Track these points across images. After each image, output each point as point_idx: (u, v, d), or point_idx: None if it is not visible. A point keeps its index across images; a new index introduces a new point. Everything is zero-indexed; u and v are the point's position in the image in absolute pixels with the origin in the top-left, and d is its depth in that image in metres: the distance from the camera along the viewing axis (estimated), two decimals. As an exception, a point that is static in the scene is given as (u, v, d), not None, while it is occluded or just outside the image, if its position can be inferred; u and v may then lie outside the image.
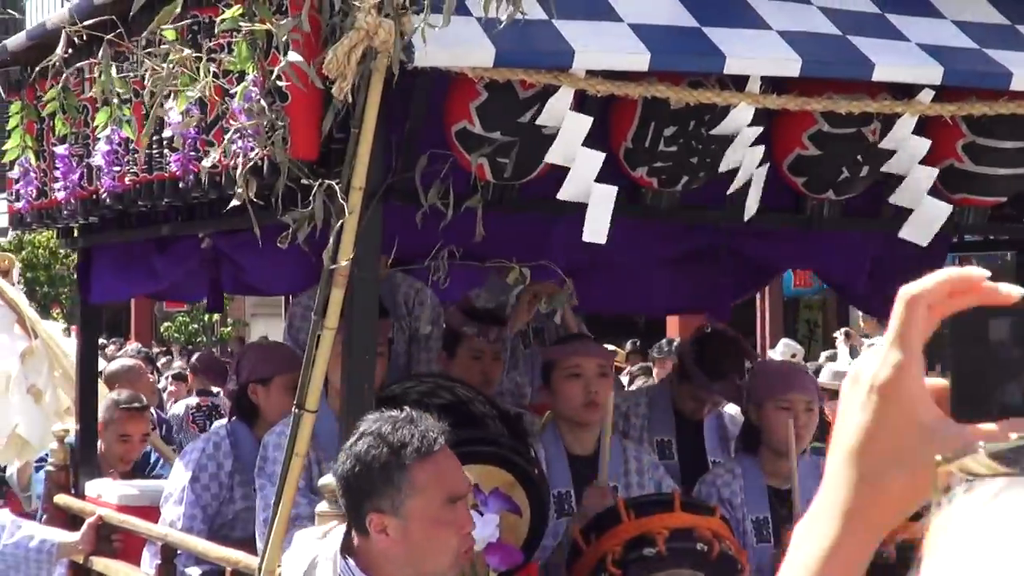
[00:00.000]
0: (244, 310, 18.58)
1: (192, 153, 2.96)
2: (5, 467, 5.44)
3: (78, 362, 4.55)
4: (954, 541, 0.50)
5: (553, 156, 2.73)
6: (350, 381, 2.88)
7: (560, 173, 2.92)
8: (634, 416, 4.31)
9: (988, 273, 0.63)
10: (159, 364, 11.52)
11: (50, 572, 3.84)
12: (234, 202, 2.69)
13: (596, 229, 2.79)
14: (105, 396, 4.89)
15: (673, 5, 2.81)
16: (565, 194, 2.78)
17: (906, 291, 0.64)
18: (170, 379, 9.31)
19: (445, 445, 2.44)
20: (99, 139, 3.32)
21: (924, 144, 2.97)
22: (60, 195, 3.71)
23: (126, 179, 3.34)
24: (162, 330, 19.49)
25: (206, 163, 2.75)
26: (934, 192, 3.15)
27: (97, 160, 3.31)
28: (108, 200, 3.44)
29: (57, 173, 3.71)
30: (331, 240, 2.72)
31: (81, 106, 3.45)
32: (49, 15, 5.06)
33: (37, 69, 3.71)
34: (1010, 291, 0.61)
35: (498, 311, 4.20)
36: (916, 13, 3.10)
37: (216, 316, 18.31)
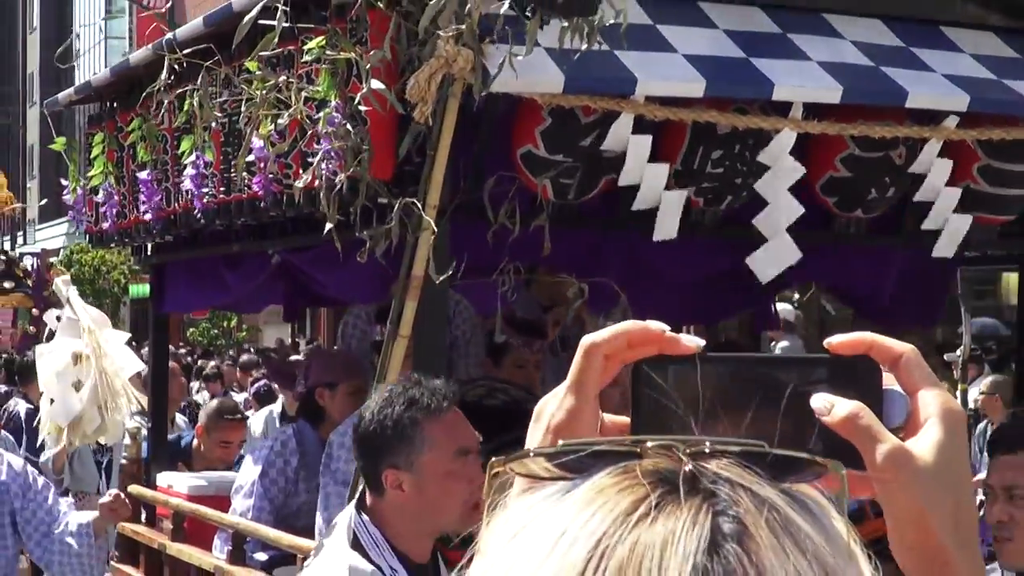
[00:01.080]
0: (257, 318, 20.12)
1: (271, 175, 3.14)
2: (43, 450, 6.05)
3: (151, 366, 5.16)
4: (494, 541, 0.50)
5: (625, 177, 2.98)
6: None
7: (612, 193, 3.13)
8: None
9: (666, 328, 0.64)
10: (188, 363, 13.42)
11: (92, 548, 3.98)
12: (328, 225, 2.84)
13: (666, 230, 3.05)
14: (207, 405, 5.60)
15: (721, 38, 3.07)
16: (639, 205, 3.01)
17: (586, 340, 0.65)
18: (203, 380, 10.63)
19: (453, 403, 2.56)
20: (184, 164, 3.53)
21: (947, 165, 3.20)
22: (148, 216, 4.00)
23: (205, 199, 3.56)
24: (188, 334, 21.46)
25: (299, 184, 2.92)
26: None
27: (186, 184, 3.53)
28: (200, 219, 3.68)
29: (140, 196, 4.00)
30: (406, 254, 2.90)
31: (160, 135, 3.68)
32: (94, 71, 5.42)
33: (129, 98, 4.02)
34: (691, 342, 0.64)
35: (539, 324, 4.48)
36: (937, 47, 3.41)
37: (233, 322, 20.81)
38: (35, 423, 5.73)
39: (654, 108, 2.91)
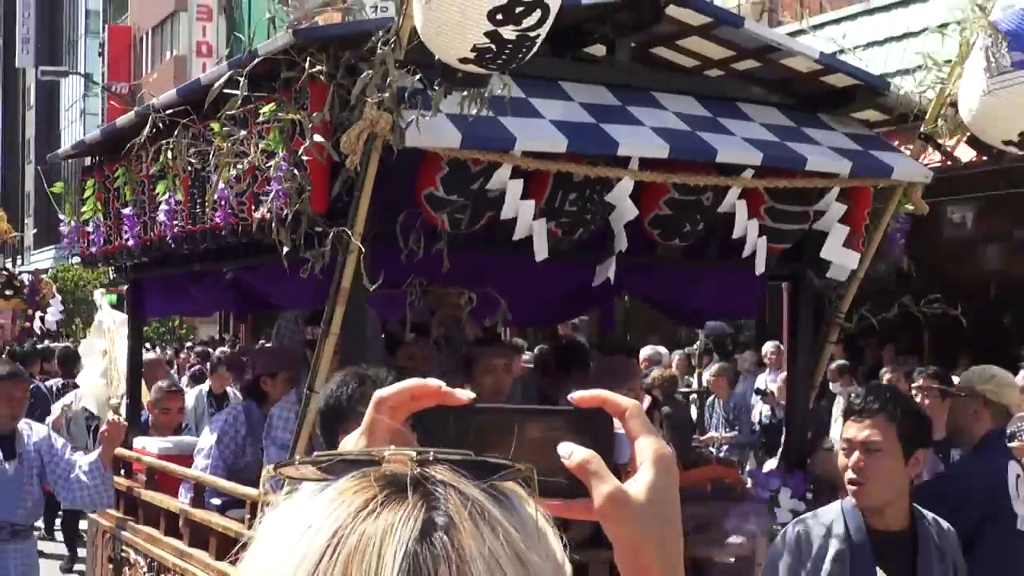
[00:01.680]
0: (194, 319, 24.00)
1: (229, 210, 3.87)
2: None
3: (128, 358, 6.21)
4: (264, 529, 0.57)
5: (504, 213, 3.76)
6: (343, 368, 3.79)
7: (493, 225, 3.96)
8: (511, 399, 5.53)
9: (442, 384, 0.72)
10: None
11: (102, 478, 4.99)
12: (284, 248, 3.54)
13: (541, 253, 3.90)
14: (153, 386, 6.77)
15: (577, 108, 3.89)
16: (517, 235, 3.83)
17: (376, 395, 0.74)
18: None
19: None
20: (160, 202, 4.32)
21: (744, 206, 4.16)
22: (130, 242, 4.86)
23: (175, 229, 4.31)
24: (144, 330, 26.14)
25: (256, 215, 3.63)
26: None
27: (161, 217, 4.29)
28: (172, 244, 4.46)
29: (124, 228, 4.87)
30: (337, 271, 3.63)
31: (140, 180, 4.49)
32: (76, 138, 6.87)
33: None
34: (463, 395, 0.72)
35: (426, 325, 5.53)
36: (736, 118, 4.30)
37: (176, 322, 25.09)
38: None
39: (527, 160, 3.70)
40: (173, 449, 5.73)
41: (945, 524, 3.28)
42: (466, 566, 0.52)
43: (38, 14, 50.05)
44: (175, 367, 14.66)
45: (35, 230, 48.10)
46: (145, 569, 5.36)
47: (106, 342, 6.27)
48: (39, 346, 13.70)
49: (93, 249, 5.49)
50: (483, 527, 0.55)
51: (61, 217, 5.87)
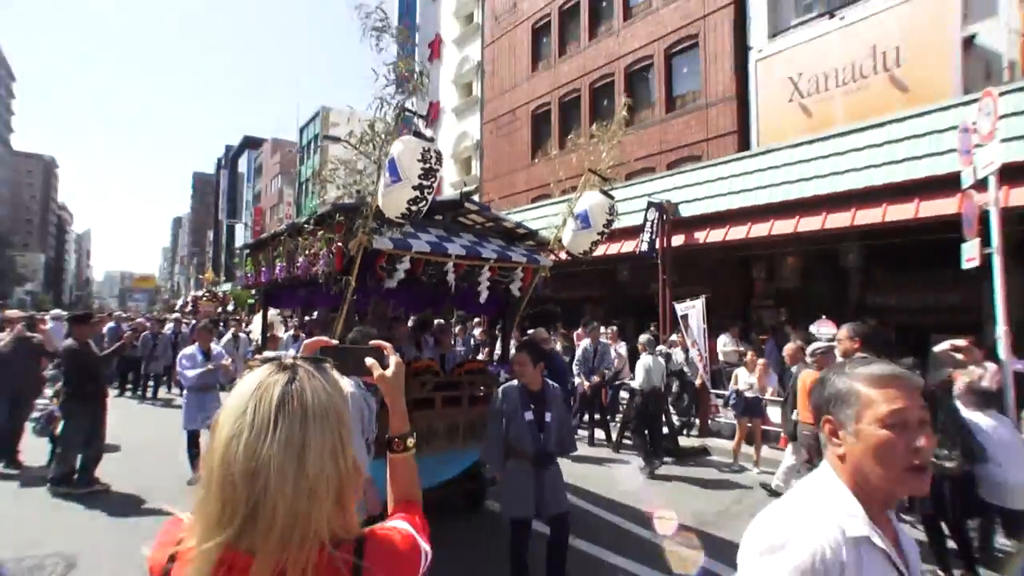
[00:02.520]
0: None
1: (301, 269, 9.46)
2: None
3: (262, 323, 12.96)
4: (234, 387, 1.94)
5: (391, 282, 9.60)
6: (345, 324, 9.26)
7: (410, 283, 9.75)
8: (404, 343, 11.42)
9: (328, 340, 2.53)
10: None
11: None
12: (332, 287, 9.12)
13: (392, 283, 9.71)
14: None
15: (432, 236, 9.78)
16: (390, 283, 9.79)
17: (306, 343, 2.51)
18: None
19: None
20: (276, 266, 9.83)
21: (487, 272, 10.30)
22: (263, 279, 10.37)
23: (280, 276, 9.83)
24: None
25: (316, 269, 9.17)
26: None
27: (276, 271, 9.77)
28: (279, 281, 9.98)
29: (262, 274, 10.24)
30: (345, 297, 9.21)
31: (271, 258, 10.08)
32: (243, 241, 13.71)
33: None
34: (332, 342, 2.49)
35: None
36: (487, 242, 10.45)
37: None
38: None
39: (420, 256, 9.56)
40: (271, 357, 12.20)
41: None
42: (306, 392, 1.87)
43: (228, 202, 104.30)
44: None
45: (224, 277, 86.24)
46: None
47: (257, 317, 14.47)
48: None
49: (249, 283, 11.17)
50: (313, 378, 1.93)
51: (238, 271, 12.37)
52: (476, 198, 29.17)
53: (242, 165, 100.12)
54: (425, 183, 7.81)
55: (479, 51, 39.74)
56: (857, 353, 8.52)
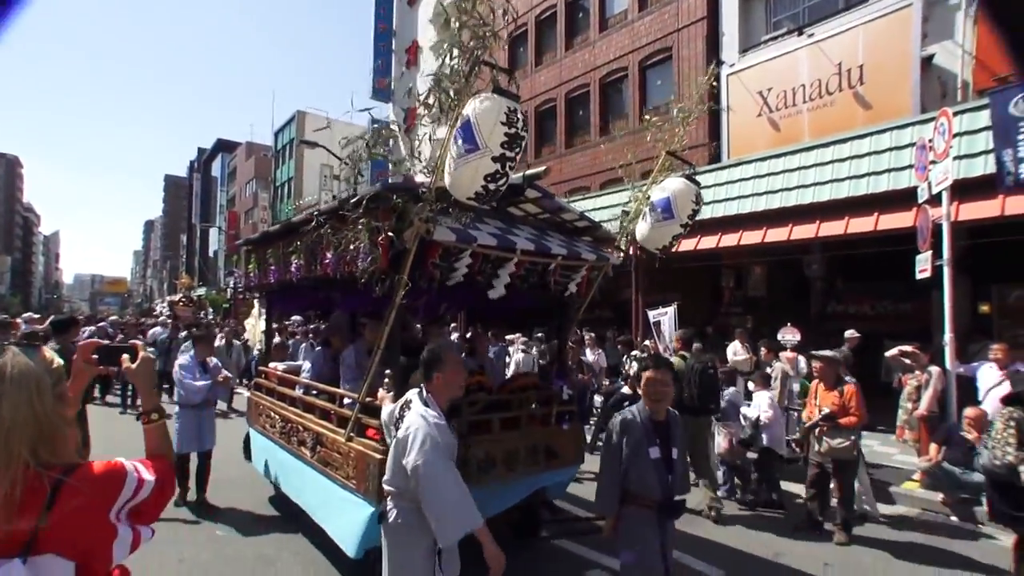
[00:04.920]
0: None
1: (331, 266, 7.34)
2: None
3: (265, 329, 11.51)
4: None
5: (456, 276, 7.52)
6: (389, 342, 7.10)
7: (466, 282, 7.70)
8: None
9: (101, 342, 3.22)
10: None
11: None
12: (375, 286, 7.04)
13: (498, 292, 7.54)
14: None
15: (498, 225, 7.79)
16: (454, 280, 7.67)
17: (82, 344, 3.16)
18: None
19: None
20: (291, 263, 7.67)
21: (555, 268, 8.29)
22: (272, 278, 8.25)
23: (297, 274, 7.73)
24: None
25: (357, 267, 7.09)
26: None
27: (292, 268, 7.59)
28: (295, 280, 7.87)
29: (270, 273, 8.05)
30: (393, 296, 7.16)
31: (280, 255, 7.84)
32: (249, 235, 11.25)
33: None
34: (99, 343, 3.18)
35: (378, 313, 8.89)
36: (549, 236, 8.46)
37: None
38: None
39: (483, 249, 7.48)
40: (286, 368, 10.51)
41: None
42: (7, 364, 2.59)
43: (201, 205, 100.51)
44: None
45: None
46: (280, 421, 9.19)
47: (256, 320, 13.43)
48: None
49: (253, 283, 9.84)
50: (17, 356, 2.63)
51: (234, 270, 9.54)
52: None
53: (215, 169, 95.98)
54: (508, 154, 5.84)
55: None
56: (680, 351, 11.39)
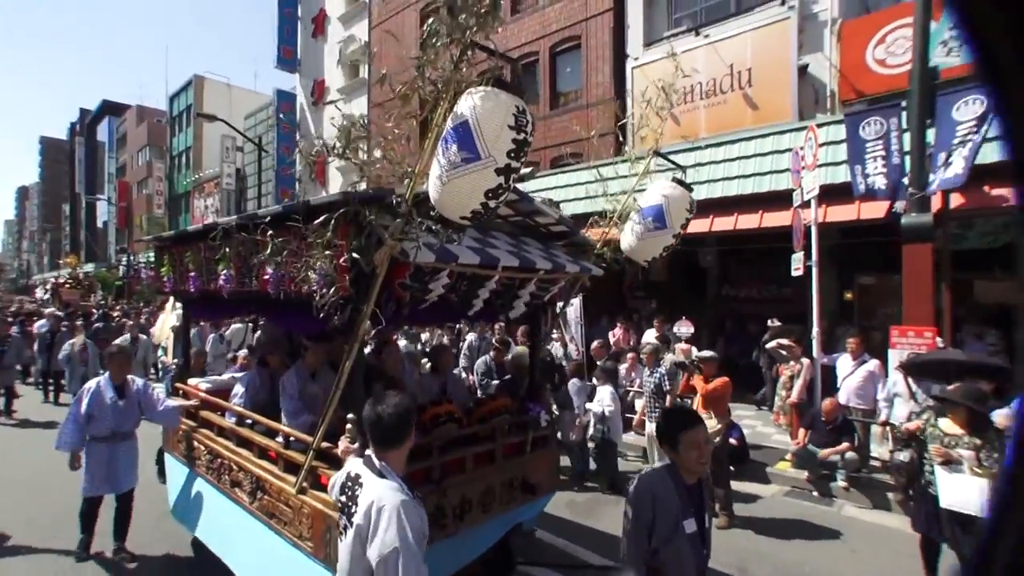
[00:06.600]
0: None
1: (271, 285, 5.85)
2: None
3: (183, 336, 9.71)
4: None
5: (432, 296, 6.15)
6: (351, 379, 5.68)
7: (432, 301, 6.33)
8: None
9: None
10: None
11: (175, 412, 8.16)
12: (329, 313, 5.62)
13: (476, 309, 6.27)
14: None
15: (475, 236, 6.46)
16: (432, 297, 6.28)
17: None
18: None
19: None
20: (219, 273, 6.27)
21: (531, 284, 7.00)
22: (192, 288, 7.08)
23: (227, 287, 6.28)
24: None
25: (303, 289, 5.60)
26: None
27: (221, 280, 6.16)
28: (225, 293, 6.57)
29: (189, 280, 6.87)
30: (356, 327, 5.77)
31: (201, 259, 6.31)
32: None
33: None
34: None
35: (324, 334, 7.51)
36: (526, 249, 7.15)
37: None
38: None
39: (458, 267, 6.16)
40: (212, 386, 8.55)
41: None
42: None
43: (86, 172, 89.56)
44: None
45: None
46: (206, 453, 7.64)
47: (167, 315, 13.94)
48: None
49: (167, 288, 8.25)
50: None
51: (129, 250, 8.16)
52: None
53: (102, 133, 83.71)
54: (514, 164, 4.58)
55: (366, 31, 36.33)
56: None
